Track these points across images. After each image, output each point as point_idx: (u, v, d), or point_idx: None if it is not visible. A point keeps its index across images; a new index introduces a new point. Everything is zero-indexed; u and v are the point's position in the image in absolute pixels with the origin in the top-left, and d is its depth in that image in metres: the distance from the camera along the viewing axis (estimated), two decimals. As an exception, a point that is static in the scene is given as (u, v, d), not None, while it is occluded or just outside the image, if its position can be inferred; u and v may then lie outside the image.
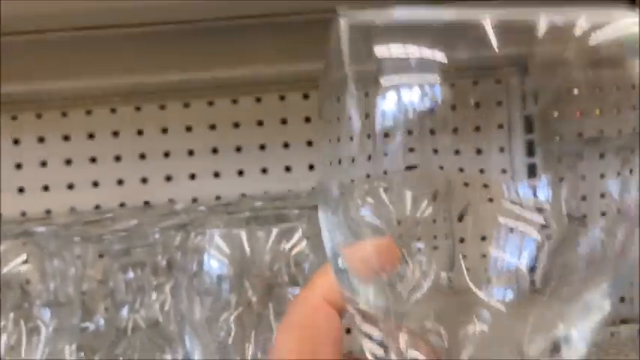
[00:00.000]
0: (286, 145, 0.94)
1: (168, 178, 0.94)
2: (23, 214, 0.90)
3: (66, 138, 0.92)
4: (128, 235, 0.57)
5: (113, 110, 0.92)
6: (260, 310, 0.55)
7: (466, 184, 0.21)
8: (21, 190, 0.91)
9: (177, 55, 0.66)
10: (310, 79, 0.58)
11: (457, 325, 0.22)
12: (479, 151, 0.23)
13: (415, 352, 0.23)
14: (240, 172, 0.95)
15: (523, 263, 0.22)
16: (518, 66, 0.23)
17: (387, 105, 0.22)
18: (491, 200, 0.22)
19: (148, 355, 0.55)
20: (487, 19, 0.21)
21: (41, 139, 0.92)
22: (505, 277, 0.22)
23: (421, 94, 0.21)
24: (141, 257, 0.56)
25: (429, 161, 0.22)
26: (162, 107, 0.93)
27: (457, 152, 0.22)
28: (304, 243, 0.52)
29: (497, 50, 0.21)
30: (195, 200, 0.92)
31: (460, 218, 0.21)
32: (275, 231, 0.50)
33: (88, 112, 0.92)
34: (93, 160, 0.93)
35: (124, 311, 0.56)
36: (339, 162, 0.24)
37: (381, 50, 0.22)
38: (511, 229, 0.22)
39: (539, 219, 0.21)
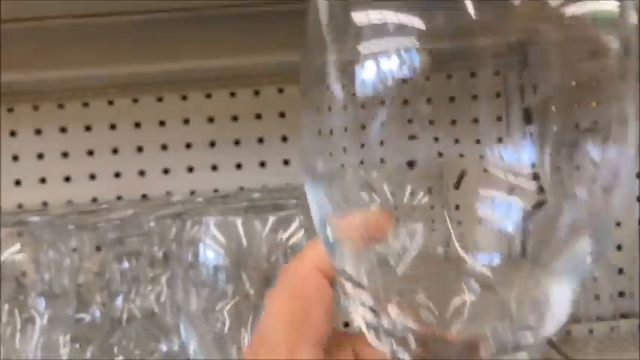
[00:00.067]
0: (285, 139, 0.93)
1: (166, 171, 0.93)
2: (20, 206, 0.89)
3: (63, 130, 0.91)
4: (123, 224, 0.56)
5: (110, 102, 0.92)
6: (257, 301, 0.55)
7: (461, 155, 0.21)
8: (17, 182, 0.91)
9: (175, 44, 0.65)
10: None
11: (446, 298, 0.22)
12: (478, 142, 0.22)
13: (405, 319, 0.22)
14: (239, 166, 0.94)
15: (510, 230, 0.22)
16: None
17: (368, 74, 0.22)
18: (483, 170, 0.21)
19: (144, 345, 0.55)
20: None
21: (38, 132, 0.91)
22: (493, 244, 0.22)
23: (400, 61, 0.21)
24: (136, 247, 0.56)
25: (419, 134, 0.21)
26: (160, 99, 0.92)
27: (457, 141, 0.22)
28: (301, 233, 0.52)
29: (474, 17, 0.20)
30: (192, 193, 0.92)
31: (457, 185, 0.21)
32: (272, 219, 0.50)
33: (85, 104, 0.91)
34: (90, 152, 0.92)
35: (119, 301, 0.56)
36: (321, 134, 0.24)
37: (359, 17, 0.22)
38: (498, 197, 0.21)
39: (526, 185, 0.21)
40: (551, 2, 0.21)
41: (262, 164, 0.94)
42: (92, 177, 0.92)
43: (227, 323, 0.52)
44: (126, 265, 0.56)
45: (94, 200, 0.90)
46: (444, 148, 0.22)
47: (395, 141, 0.22)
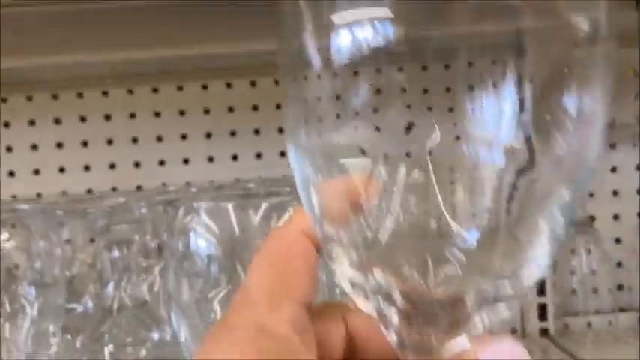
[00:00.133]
0: (281, 130, 0.92)
1: (162, 163, 0.92)
2: (14, 197, 0.89)
3: (57, 121, 0.91)
4: (113, 210, 0.55)
5: (105, 93, 0.91)
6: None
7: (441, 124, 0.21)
8: (11, 173, 0.90)
9: (170, 31, 0.65)
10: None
11: (430, 267, 0.22)
12: (451, 110, 0.22)
13: (390, 280, 0.22)
14: (235, 157, 0.93)
15: (493, 193, 0.21)
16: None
17: (343, 42, 0.22)
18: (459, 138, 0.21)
19: (135, 334, 0.54)
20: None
21: (32, 122, 0.90)
22: (478, 211, 0.22)
23: (373, 30, 0.21)
24: (127, 235, 0.55)
25: (395, 99, 0.21)
26: (155, 90, 0.92)
27: (430, 109, 0.22)
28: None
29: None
30: (188, 185, 0.91)
31: (443, 148, 0.21)
32: (264, 205, 0.49)
33: (80, 95, 0.90)
34: (85, 143, 0.91)
35: (110, 288, 0.55)
36: (301, 102, 0.24)
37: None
38: (479, 163, 0.21)
39: (508, 143, 0.21)
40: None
41: (258, 156, 0.93)
42: (87, 168, 0.91)
43: (219, 312, 0.52)
44: (117, 253, 0.56)
45: (89, 192, 0.90)
46: (419, 117, 0.21)
47: (372, 109, 0.22)
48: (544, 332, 0.89)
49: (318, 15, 0.23)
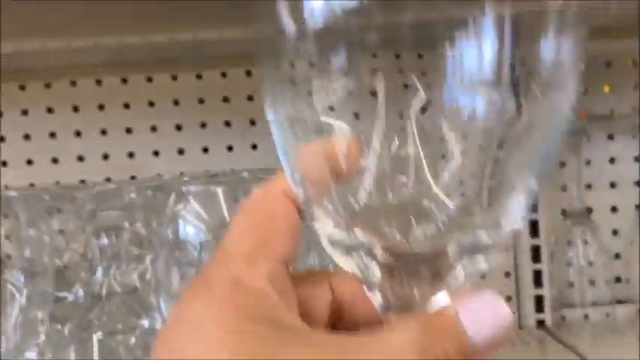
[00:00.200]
0: (277, 121, 0.92)
1: (156, 153, 0.92)
2: (6, 187, 0.88)
3: (50, 110, 0.90)
4: (102, 194, 0.54)
5: (99, 82, 0.90)
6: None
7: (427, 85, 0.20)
8: (4, 163, 0.89)
9: (163, 15, 0.64)
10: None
11: (412, 227, 0.22)
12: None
13: (372, 238, 0.22)
14: (230, 148, 0.93)
15: (478, 154, 0.21)
16: None
17: (316, 4, 0.21)
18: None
19: (124, 321, 0.53)
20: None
21: (24, 112, 0.89)
22: (461, 172, 0.22)
23: None
24: (117, 221, 0.54)
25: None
26: (150, 79, 0.91)
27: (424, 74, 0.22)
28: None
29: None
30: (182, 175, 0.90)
31: (423, 111, 0.20)
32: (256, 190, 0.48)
33: (73, 84, 0.90)
34: (78, 133, 0.90)
35: (99, 274, 0.54)
36: (277, 68, 0.23)
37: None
38: (463, 118, 0.21)
39: (490, 93, 0.20)
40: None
41: (254, 146, 0.92)
42: (80, 158, 0.91)
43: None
44: (105, 240, 0.55)
45: (82, 182, 0.89)
46: (397, 79, 0.21)
47: (350, 72, 0.21)
48: (540, 324, 0.89)
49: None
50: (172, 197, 0.51)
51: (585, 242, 0.87)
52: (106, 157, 0.91)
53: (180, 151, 0.92)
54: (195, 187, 0.47)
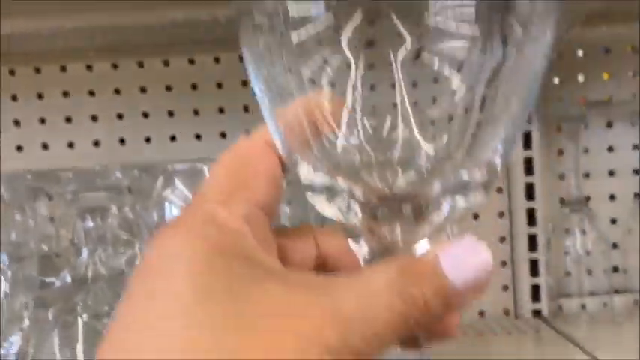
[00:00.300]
0: (271, 108, 0.91)
1: (148, 140, 0.90)
2: (-5, 174, 0.86)
3: (40, 96, 0.88)
4: (87, 174, 0.53)
5: (89, 67, 0.89)
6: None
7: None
8: (-7, 150, 0.88)
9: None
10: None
11: (395, 175, 0.21)
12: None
13: (356, 187, 0.22)
14: (223, 135, 0.91)
15: (461, 97, 0.21)
16: None
17: None
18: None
19: (110, 304, 0.52)
20: None
21: (14, 97, 0.88)
22: (443, 118, 0.21)
23: None
24: (103, 202, 0.53)
25: None
26: (141, 65, 0.90)
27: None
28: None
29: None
30: (174, 162, 0.89)
31: (416, 57, 0.19)
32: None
33: (63, 69, 0.88)
34: (68, 119, 0.89)
35: (84, 255, 0.53)
36: (258, 31, 0.24)
37: None
38: (446, 63, 0.20)
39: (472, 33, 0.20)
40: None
41: (247, 133, 0.91)
42: (70, 145, 0.89)
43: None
44: (90, 223, 0.54)
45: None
46: (380, 28, 0.20)
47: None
48: (537, 313, 0.88)
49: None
50: (160, 181, 0.50)
51: (583, 231, 0.86)
52: (96, 143, 0.90)
53: (173, 138, 0.91)
54: (182, 166, 0.45)
